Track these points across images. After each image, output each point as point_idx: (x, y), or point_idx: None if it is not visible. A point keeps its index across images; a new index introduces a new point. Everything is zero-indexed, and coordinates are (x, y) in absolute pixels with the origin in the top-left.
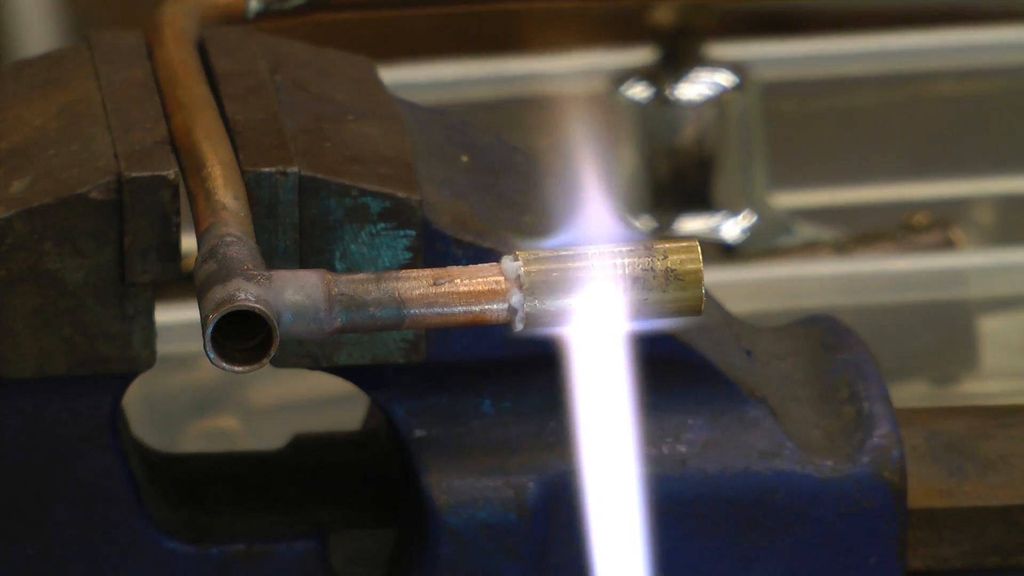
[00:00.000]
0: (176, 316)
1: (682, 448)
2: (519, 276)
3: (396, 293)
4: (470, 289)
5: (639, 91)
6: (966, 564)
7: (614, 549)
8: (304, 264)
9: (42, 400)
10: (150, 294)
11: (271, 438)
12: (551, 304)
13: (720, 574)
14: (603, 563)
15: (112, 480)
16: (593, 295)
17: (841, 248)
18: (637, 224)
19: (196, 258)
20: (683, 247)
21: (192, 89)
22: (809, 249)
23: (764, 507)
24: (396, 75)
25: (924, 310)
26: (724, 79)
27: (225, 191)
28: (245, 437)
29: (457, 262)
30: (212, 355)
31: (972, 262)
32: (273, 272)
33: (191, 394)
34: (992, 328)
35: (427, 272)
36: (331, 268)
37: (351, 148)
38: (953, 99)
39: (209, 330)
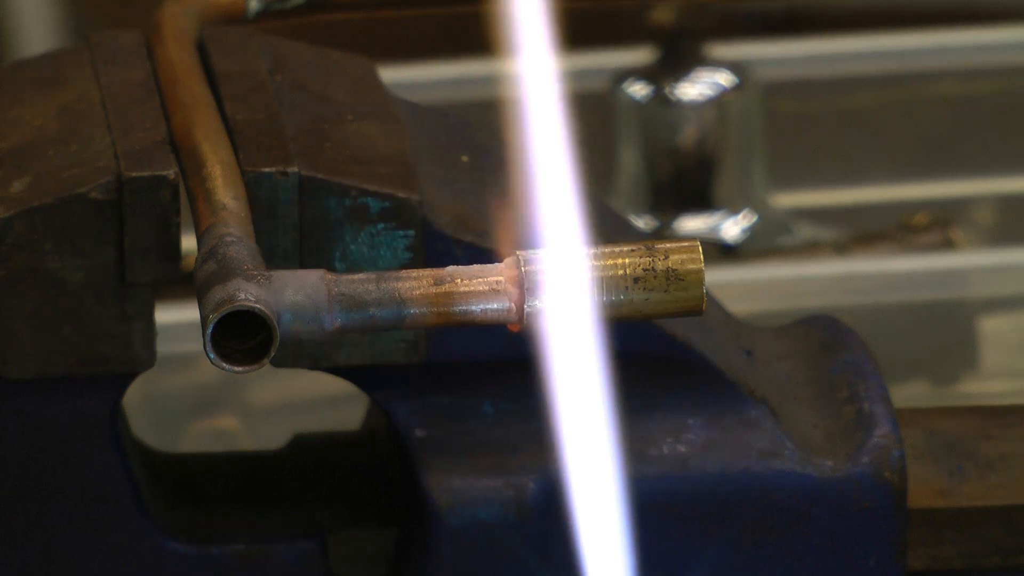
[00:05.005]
0: (176, 316)
1: (682, 448)
2: (519, 276)
3: (396, 293)
4: (470, 289)
5: (639, 91)
6: (966, 564)
7: (604, 550)
8: (304, 264)
9: (42, 400)
10: (150, 294)
11: (271, 438)
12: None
13: (720, 574)
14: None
15: (112, 480)
16: (593, 295)
17: (841, 248)
18: (640, 223)
19: (196, 258)
20: (684, 247)
21: (192, 89)
22: (809, 249)
23: (764, 507)
24: (396, 75)
25: (924, 310)
26: (724, 79)
27: (225, 191)
28: (245, 437)
29: (457, 262)
30: (212, 355)
31: (972, 262)
32: (273, 272)
33: (191, 394)
34: (992, 328)
35: (427, 272)
36: (331, 268)
37: (351, 148)
38: (953, 99)
39: (209, 330)
